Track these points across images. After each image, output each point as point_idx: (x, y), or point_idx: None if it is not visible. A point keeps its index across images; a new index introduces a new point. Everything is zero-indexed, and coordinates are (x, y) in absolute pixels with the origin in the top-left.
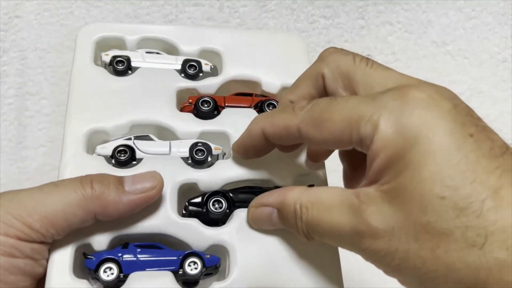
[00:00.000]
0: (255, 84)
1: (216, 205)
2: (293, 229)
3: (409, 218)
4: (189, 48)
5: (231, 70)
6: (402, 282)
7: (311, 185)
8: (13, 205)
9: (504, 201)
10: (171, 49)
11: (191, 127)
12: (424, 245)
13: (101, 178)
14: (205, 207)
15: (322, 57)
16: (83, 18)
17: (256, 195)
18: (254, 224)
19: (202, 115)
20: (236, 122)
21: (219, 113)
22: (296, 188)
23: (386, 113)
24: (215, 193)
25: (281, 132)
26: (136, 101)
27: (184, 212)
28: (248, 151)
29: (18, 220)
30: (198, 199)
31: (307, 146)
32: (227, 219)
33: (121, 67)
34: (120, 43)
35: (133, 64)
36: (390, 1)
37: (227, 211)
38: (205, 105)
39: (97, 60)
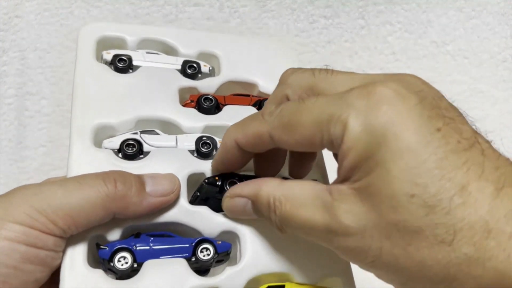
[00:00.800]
0: (252, 85)
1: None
2: (267, 221)
3: (380, 217)
4: (189, 50)
5: (230, 72)
6: (378, 276)
7: (286, 178)
8: (38, 200)
9: (471, 197)
10: (171, 51)
11: (195, 121)
12: (396, 243)
13: (124, 177)
14: (220, 188)
15: (283, 80)
16: (83, 18)
17: None
18: (229, 214)
19: (204, 112)
20: (238, 116)
21: (220, 110)
22: (271, 180)
23: (354, 112)
24: (232, 176)
25: (254, 141)
26: (140, 97)
27: (195, 196)
28: (227, 164)
29: (42, 215)
30: (215, 178)
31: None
32: None
33: (122, 65)
34: (121, 43)
35: (134, 63)
36: (390, 1)
37: None
38: (207, 102)
39: (98, 58)
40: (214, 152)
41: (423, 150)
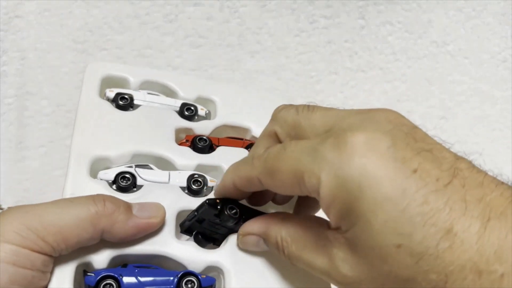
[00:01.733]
0: (245, 130)
1: (232, 212)
2: (280, 255)
3: (372, 268)
4: (187, 94)
5: (225, 116)
6: None
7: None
8: (29, 217)
9: (457, 239)
10: (171, 93)
11: (189, 159)
12: None
13: (112, 198)
14: (220, 211)
15: (273, 116)
16: (83, 18)
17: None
18: (245, 249)
19: (198, 151)
20: (230, 157)
21: (213, 150)
22: (277, 217)
23: (326, 167)
24: (232, 201)
25: (246, 184)
26: (138, 133)
27: (192, 215)
28: (227, 197)
29: (32, 231)
30: (217, 201)
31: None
32: (223, 240)
33: (124, 103)
34: (124, 83)
35: (135, 102)
36: (390, 1)
37: (241, 218)
38: (202, 142)
39: (101, 95)
40: (204, 189)
41: (401, 198)
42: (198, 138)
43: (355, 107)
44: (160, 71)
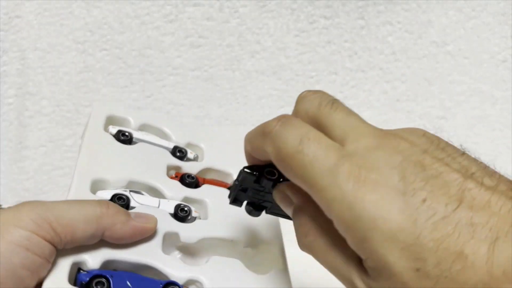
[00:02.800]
0: (227, 175)
1: (271, 176)
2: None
3: None
4: (179, 139)
5: (210, 161)
6: None
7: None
8: (44, 208)
9: (468, 261)
10: (165, 136)
11: (177, 191)
12: None
13: (115, 204)
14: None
15: (296, 104)
16: (83, 18)
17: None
18: (277, 199)
19: (185, 185)
20: (213, 194)
21: (199, 187)
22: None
23: (340, 198)
24: (269, 166)
25: (259, 153)
26: (134, 164)
27: (234, 185)
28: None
29: (46, 221)
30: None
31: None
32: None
33: (124, 138)
34: (125, 122)
35: (134, 139)
36: (390, 1)
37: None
38: (189, 178)
39: (105, 130)
40: (189, 218)
41: (414, 228)
42: (186, 175)
43: (355, 107)
44: (158, 116)
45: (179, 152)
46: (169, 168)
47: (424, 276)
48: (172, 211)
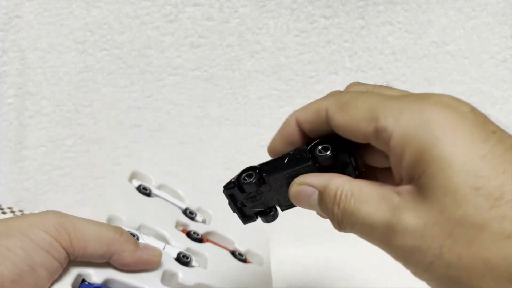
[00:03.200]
0: (229, 241)
1: (324, 152)
2: (329, 214)
3: (442, 213)
4: (192, 203)
5: (215, 226)
6: (430, 284)
7: (357, 176)
8: (65, 219)
9: None
10: (180, 197)
11: (181, 241)
12: (459, 239)
13: (128, 233)
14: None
15: (347, 87)
16: (83, 18)
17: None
18: (294, 199)
19: (190, 239)
20: (214, 251)
21: (202, 243)
22: (342, 176)
23: (408, 110)
24: (249, 169)
25: (311, 116)
26: (148, 212)
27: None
28: (281, 139)
29: (65, 230)
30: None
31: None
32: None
33: (144, 191)
34: (147, 179)
35: (152, 194)
36: (390, 1)
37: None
38: (195, 234)
39: (130, 180)
40: (189, 264)
41: (483, 145)
42: (192, 231)
43: None
44: (176, 179)
45: (189, 213)
46: (178, 224)
47: (483, 196)
48: (175, 255)
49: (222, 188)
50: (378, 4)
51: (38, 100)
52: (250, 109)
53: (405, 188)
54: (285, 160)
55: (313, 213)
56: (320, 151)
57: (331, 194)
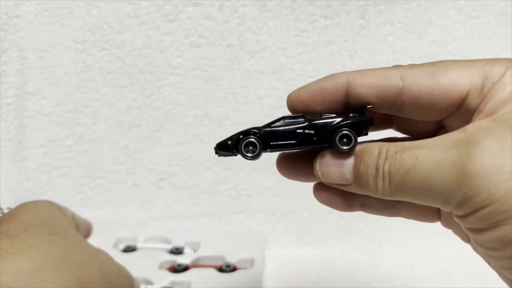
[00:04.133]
0: (219, 257)
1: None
2: (370, 178)
3: None
4: (179, 241)
5: (204, 251)
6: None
7: None
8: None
9: None
10: (166, 240)
11: (164, 278)
12: None
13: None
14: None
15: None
16: (82, 18)
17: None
18: (321, 171)
19: (176, 272)
20: (199, 274)
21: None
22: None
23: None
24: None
25: (377, 81)
26: (134, 265)
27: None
28: (311, 99)
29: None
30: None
31: None
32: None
33: (129, 249)
34: (133, 239)
35: (138, 248)
36: (390, 1)
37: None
38: (179, 267)
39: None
40: None
41: None
42: (177, 264)
43: None
44: (163, 225)
45: (175, 250)
46: (164, 263)
47: None
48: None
49: (214, 146)
50: (379, 4)
51: (38, 100)
52: (250, 109)
53: (476, 123)
54: (296, 135)
55: (313, 213)
56: (341, 143)
57: (375, 153)
